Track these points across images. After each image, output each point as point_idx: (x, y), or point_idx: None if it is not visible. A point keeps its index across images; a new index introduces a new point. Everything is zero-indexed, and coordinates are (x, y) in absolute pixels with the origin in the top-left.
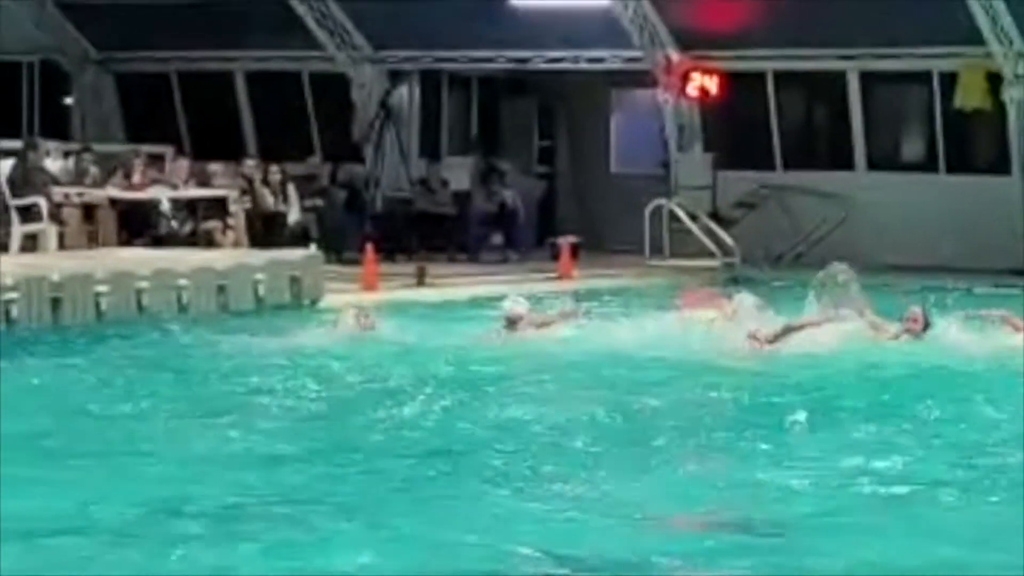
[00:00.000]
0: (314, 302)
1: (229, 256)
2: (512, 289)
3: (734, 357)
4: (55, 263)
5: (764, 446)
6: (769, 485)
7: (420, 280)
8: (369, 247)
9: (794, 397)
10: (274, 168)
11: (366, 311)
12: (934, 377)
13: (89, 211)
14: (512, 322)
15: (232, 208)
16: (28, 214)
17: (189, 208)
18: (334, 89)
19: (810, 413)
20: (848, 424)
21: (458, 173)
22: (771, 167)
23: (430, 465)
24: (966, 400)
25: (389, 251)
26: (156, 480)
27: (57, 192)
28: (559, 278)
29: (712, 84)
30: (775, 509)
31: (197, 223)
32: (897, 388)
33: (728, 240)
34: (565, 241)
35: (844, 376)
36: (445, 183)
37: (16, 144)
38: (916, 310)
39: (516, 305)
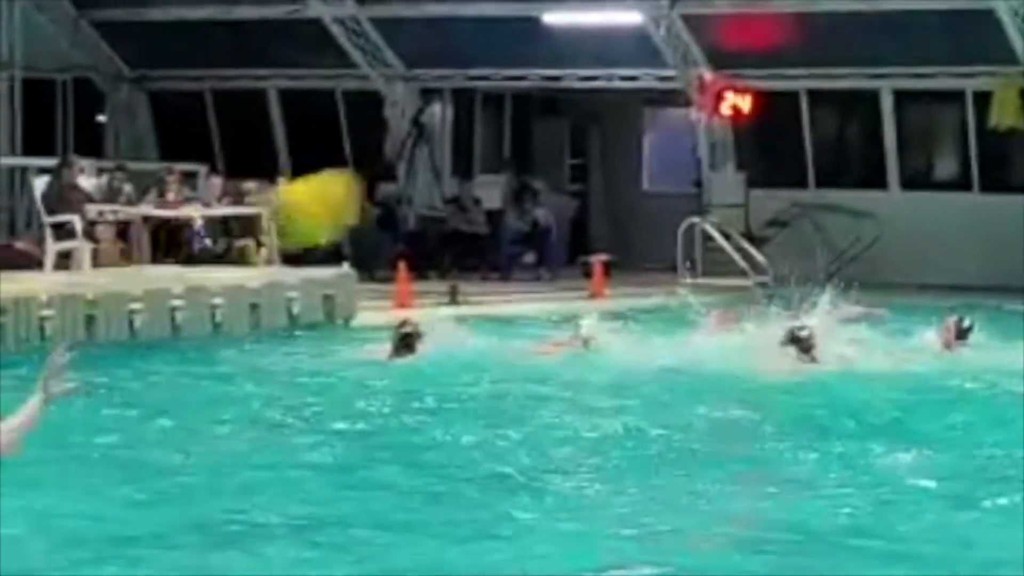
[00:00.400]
0: (347, 320)
1: (262, 274)
2: (544, 307)
3: (773, 372)
4: (89, 281)
5: (796, 462)
6: (801, 502)
7: (453, 298)
8: (402, 265)
9: (828, 412)
10: None
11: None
12: (969, 392)
13: (123, 229)
14: (586, 344)
15: (265, 226)
16: (62, 232)
17: (222, 226)
18: (367, 107)
19: (842, 429)
20: (882, 439)
21: (490, 191)
22: (804, 186)
23: (466, 481)
24: (1002, 415)
25: (422, 269)
26: (187, 496)
27: (91, 210)
28: (591, 296)
29: (745, 103)
30: (805, 525)
31: (230, 241)
32: (934, 403)
33: (760, 259)
34: (597, 259)
35: (880, 391)
36: (478, 201)
37: (50, 162)
38: (949, 320)
39: (590, 329)
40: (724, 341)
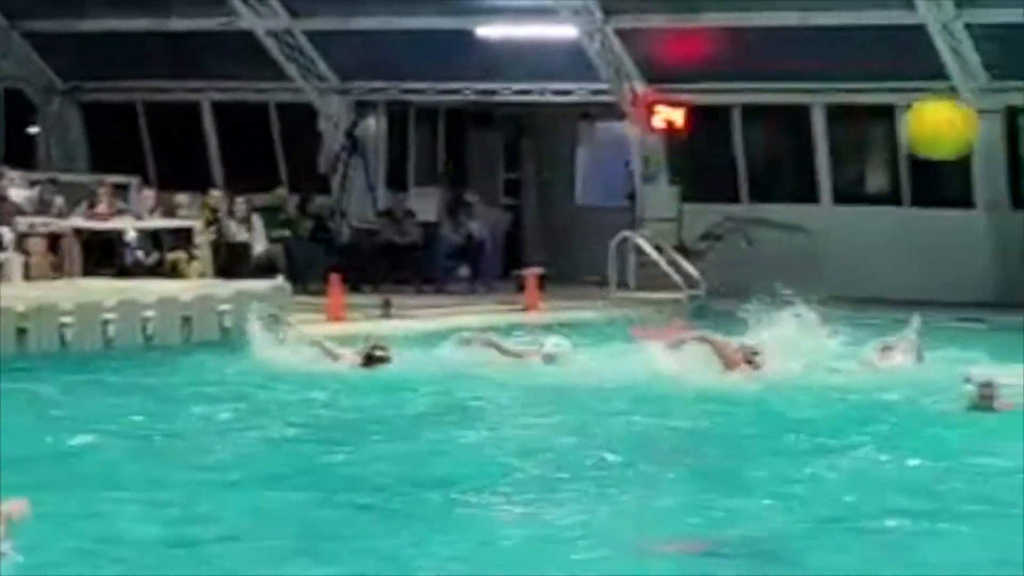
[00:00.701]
0: (280, 333)
1: (195, 287)
2: (478, 320)
3: (715, 385)
4: (20, 293)
5: (733, 475)
6: (740, 510)
7: (386, 312)
8: (335, 278)
9: (766, 426)
10: (240, 199)
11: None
12: (898, 407)
13: (54, 241)
14: (550, 359)
15: (198, 239)
16: None
17: (154, 239)
18: (301, 120)
19: (780, 442)
20: (819, 453)
21: (425, 204)
22: (737, 200)
23: (412, 491)
24: (932, 431)
25: (355, 282)
26: (118, 512)
27: (22, 222)
28: (525, 310)
29: (678, 117)
30: (740, 539)
31: (162, 254)
32: (867, 417)
33: (693, 272)
34: (531, 273)
35: (817, 405)
36: (411, 214)
37: None
38: (890, 338)
39: (557, 348)
40: (663, 353)
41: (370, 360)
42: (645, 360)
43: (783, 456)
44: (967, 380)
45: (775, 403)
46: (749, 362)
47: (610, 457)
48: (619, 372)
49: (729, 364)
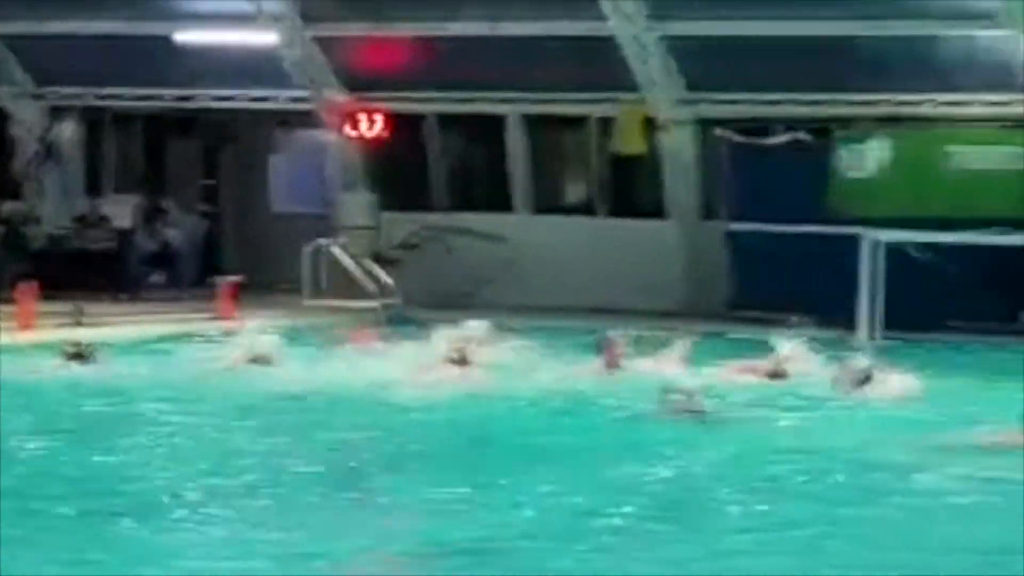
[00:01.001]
0: None
1: None
2: (172, 329)
3: (426, 390)
4: None
5: (437, 482)
6: (448, 519)
7: (77, 319)
8: (26, 285)
9: (479, 432)
10: None
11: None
12: (600, 412)
13: None
14: (260, 359)
15: None
16: None
17: None
18: None
19: (489, 449)
20: (528, 459)
21: (121, 211)
22: (435, 208)
23: (87, 503)
24: (634, 434)
25: (49, 289)
26: None
27: None
28: (218, 318)
29: (376, 125)
30: (453, 542)
31: None
32: (570, 422)
33: (388, 280)
34: (226, 281)
35: (533, 410)
36: (105, 219)
37: None
38: (610, 342)
39: (266, 347)
40: (365, 360)
41: (75, 357)
42: (346, 367)
43: (494, 462)
44: (665, 388)
45: (487, 408)
46: (462, 361)
47: (306, 468)
48: (317, 379)
49: (438, 367)
